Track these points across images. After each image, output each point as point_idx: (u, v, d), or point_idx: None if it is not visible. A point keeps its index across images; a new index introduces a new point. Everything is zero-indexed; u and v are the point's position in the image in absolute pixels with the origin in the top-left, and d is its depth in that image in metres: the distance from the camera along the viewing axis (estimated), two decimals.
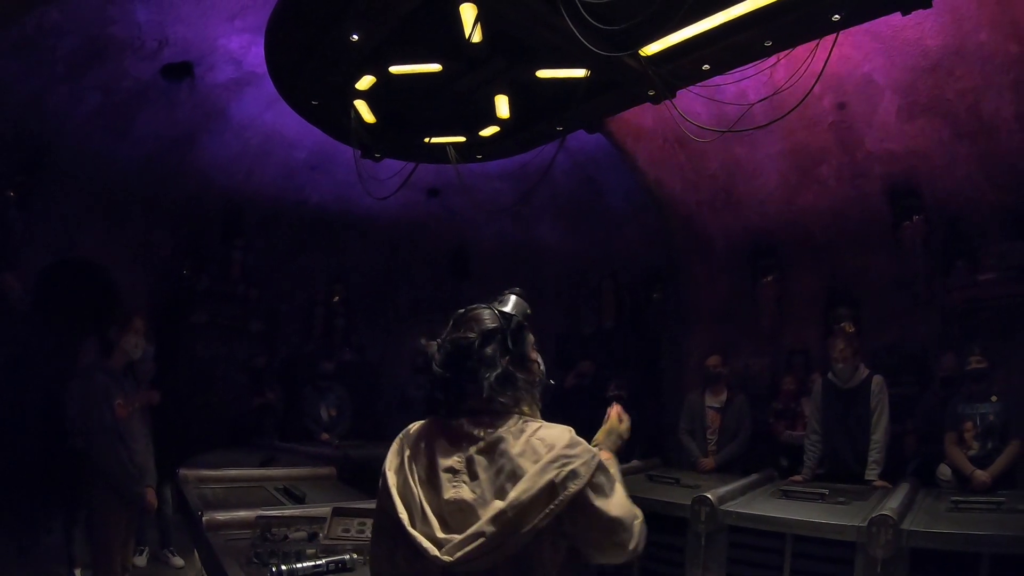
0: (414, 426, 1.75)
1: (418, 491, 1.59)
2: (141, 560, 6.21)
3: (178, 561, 6.35)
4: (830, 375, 5.46)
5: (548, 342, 9.93)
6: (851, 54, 6.18)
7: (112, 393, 4.32)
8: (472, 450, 1.60)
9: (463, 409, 1.65)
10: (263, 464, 5.50)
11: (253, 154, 9.18)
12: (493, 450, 1.58)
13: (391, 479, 1.64)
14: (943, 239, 6.76)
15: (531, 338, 1.78)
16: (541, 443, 1.58)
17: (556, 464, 1.53)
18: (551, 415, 1.78)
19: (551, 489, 1.50)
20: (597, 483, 1.58)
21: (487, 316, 1.72)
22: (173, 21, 6.70)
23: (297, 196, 10.05)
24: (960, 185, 6.53)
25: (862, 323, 7.02)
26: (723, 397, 6.36)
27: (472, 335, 1.67)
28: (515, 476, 1.53)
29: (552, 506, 1.50)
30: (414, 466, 1.63)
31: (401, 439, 1.72)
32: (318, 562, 2.63)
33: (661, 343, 9.57)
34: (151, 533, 6.40)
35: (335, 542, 3.05)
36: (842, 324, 5.98)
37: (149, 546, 6.40)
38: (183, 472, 4.77)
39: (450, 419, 1.66)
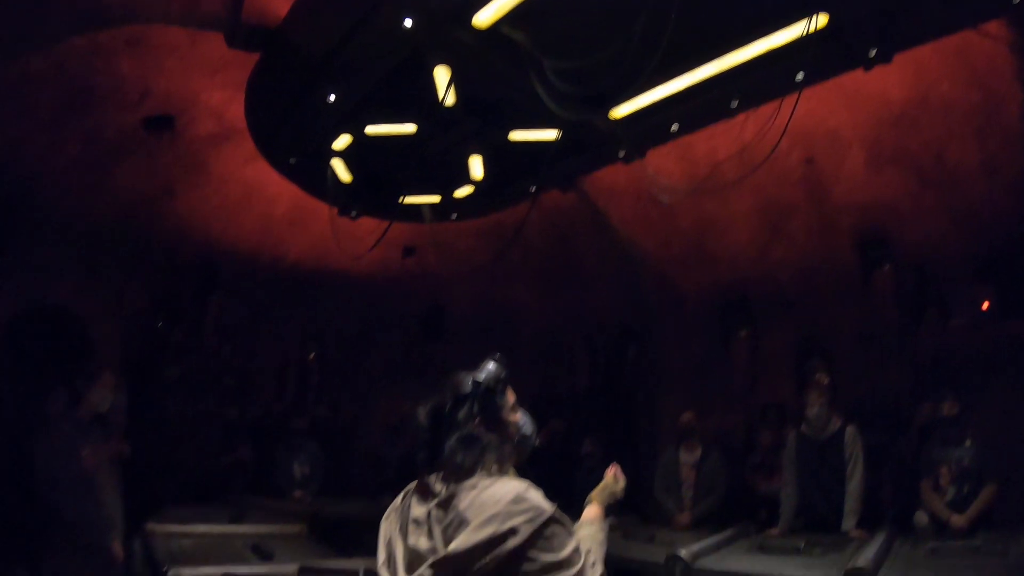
0: (412, 484, 1.92)
1: (395, 538, 1.81)
2: None
3: None
4: (804, 427, 5.48)
5: (521, 403, 9.90)
6: (817, 109, 6.34)
7: (79, 444, 4.25)
8: (433, 503, 1.77)
9: (436, 466, 1.83)
10: (233, 520, 5.39)
11: (231, 208, 9.19)
12: (448, 504, 1.75)
13: (382, 527, 1.89)
14: (913, 288, 6.86)
15: (509, 400, 1.98)
16: (490, 498, 1.71)
17: (497, 519, 1.66)
18: (522, 473, 1.92)
19: (489, 542, 1.64)
20: (544, 538, 1.69)
21: (462, 383, 1.90)
22: (155, 74, 6.76)
23: (274, 252, 10.03)
24: (927, 234, 6.67)
25: (835, 375, 7.05)
26: (698, 453, 6.35)
27: (447, 401, 1.86)
28: (461, 528, 1.68)
29: (488, 559, 1.63)
30: (397, 517, 1.86)
31: (403, 494, 1.91)
32: None
33: (635, 401, 9.54)
34: None
35: None
36: (816, 376, 6.02)
37: None
38: (151, 526, 4.68)
39: (426, 475, 1.84)
